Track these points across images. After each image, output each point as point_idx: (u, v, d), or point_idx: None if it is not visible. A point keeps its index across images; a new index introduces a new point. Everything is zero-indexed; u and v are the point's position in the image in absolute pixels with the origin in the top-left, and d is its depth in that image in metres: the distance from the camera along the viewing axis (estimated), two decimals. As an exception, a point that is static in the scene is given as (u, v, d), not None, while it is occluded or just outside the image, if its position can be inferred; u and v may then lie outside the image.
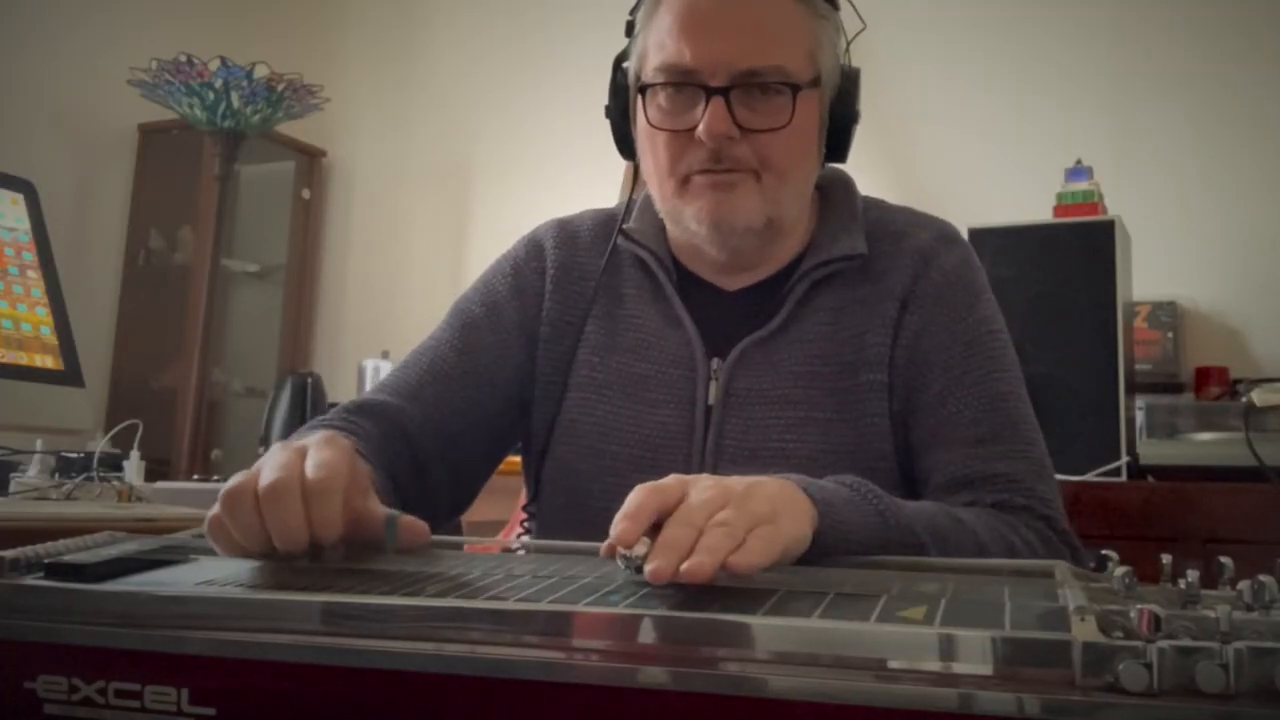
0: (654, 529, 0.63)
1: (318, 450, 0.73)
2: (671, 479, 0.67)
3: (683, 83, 0.97)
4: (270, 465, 0.70)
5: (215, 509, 0.69)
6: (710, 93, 0.96)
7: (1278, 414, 2.26)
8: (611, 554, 0.62)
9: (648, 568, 0.59)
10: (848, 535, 0.75)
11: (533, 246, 1.14)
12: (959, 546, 0.84)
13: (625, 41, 1.05)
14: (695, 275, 1.09)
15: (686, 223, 1.01)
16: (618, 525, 0.62)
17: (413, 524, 0.75)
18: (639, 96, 1.01)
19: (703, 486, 0.66)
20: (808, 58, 0.99)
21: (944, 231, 1.08)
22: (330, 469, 0.70)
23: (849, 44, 1.04)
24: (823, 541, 0.72)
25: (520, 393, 1.10)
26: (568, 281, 1.11)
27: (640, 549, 0.61)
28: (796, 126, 0.98)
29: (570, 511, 1.05)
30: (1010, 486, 0.95)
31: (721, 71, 0.95)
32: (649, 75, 1.00)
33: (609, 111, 1.07)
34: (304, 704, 0.50)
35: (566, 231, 1.14)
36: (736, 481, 0.68)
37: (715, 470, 0.99)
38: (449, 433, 1.05)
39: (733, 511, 0.64)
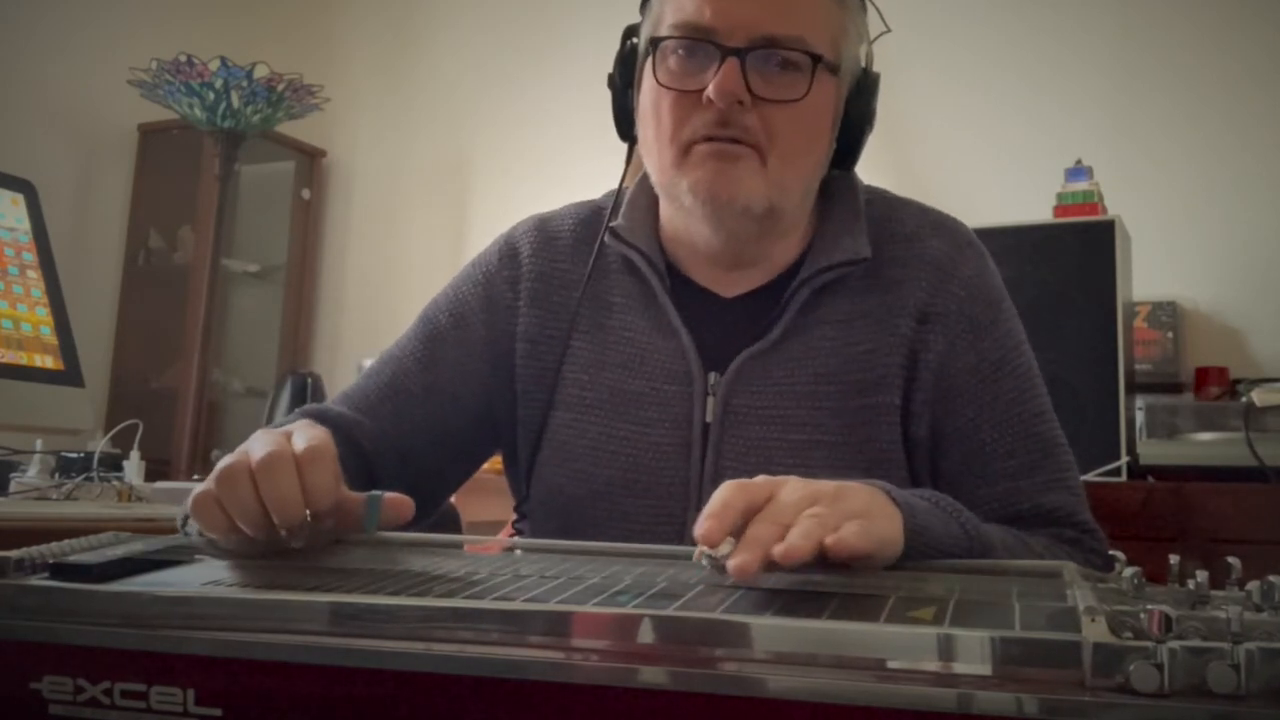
0: (740, 531, 0.61)
1: (302, 431, 0.74)
2: (759, 478, 0.65)
3: (698, 39, 0.92)
4: (259, 445, 0.71)
5: (206, 486, 0.70)
6: (725, 53, 0.91)
7: (1278, 414, 2.26)
8: (700, 556, 0.61)
9: (731, 563, 0.57)
10: (932, 546, 0.74)
11: (507, 252, 1.08)
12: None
13: (626, 28, 1.02)
14: (689, 280, 1.02)
15: (682, 196, 0.95)
16: (702, 524, 0.61)
17: (396, 500, 0.74)
18: (649, 55, 0.96)
19: (792, 486, 0.65)
20: (830, 41, 0.94)
21: (958, 235, 1.03)
22: (319, 441, 0.72)
23: (871, 44, 1.00)
24: (908, 551, 0.71)
25: (487, 410, 1.05)
26: (547, 292, 1.04)
27: (725, 548, 0.59)
28: (810, 104, 0.93)
29: (563, 535, 0.98)
30: (1059, 519, 0.94)
31: (740, 33, 0.91)
32: (664, 33, 0.95)
33: (612, 81, 1.02)
34: (310, 704, 0.50)
35: (545, 234, 1.07)
36: (825, 484, 0.67)
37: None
38: (405, 449, 1.02)
39: (825, 508, 0.63)
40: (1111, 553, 0.64)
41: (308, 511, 0.69)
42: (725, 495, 0.63)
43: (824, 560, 0.61)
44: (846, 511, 0.64)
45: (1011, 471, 0.95)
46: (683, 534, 0.95)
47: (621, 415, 0.99)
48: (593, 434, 0.99)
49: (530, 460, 1.03)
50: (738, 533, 0.61)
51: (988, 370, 0.97)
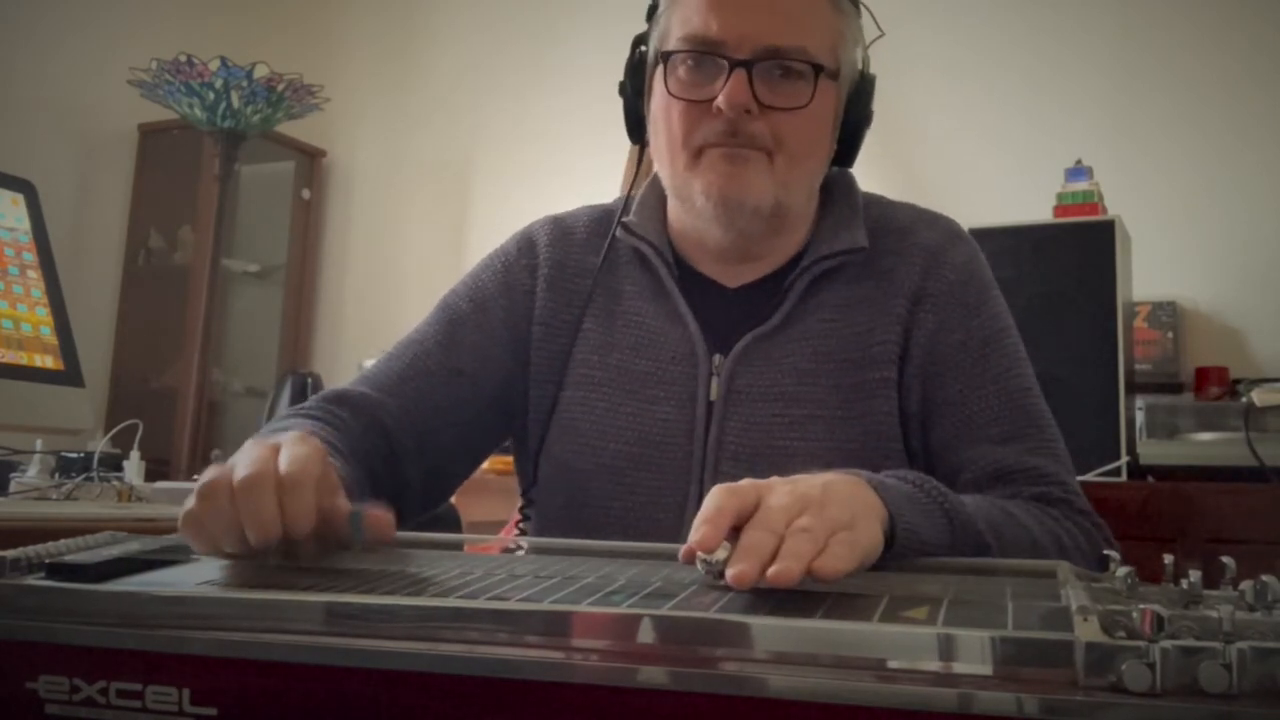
0: (732, 533, 0.63)
1: (290, 447, 0.73)
2: (746, 483, 0.66)
3: (706, 52, 0.97)
4: (244, 461, 0.71)
5: (190, 504, 0.70)
6: (733, 65, 0.96)
7: (1278, 414, 2.26)
8: (690, 558, 0.62)
9: (730, 572, 0.59)
10: (922, 541, 0.75)
11: (525, 243, 1.13)
12: (1015, 543, 0.84)
13: (625, 41, 1.05)
14: (696, 271, 1.08)
15: (695, 198, 1.00)
16: (698, 530, 0.62)
17: (378, 518, 0.74)
18: (658, 67, 1.01)
19: (779, 492, 0.66)
20: (830, 49, 1.00)
21: (950, 228, 1.08)
22: (303, 463, 0.71)
23: (867, 48, 1.04)
24: (898, 550, 0.72)
25: (504, 392, 1.08)
26: (562, 279, 1.09)
27: (721, 553, 0.61)
28: (814, 110, 0.98)
29: (569, 510, 1.04)
30: (1046, 479, 0.96)
31: (746, 45, 0.96)
32: (672, 46, 1.00)
33: (623, 89, 1.07)
34: (306, 704, 0.50)
35: (561, 228, 1.13)
36: (810, 484, 0.68)
37: (716, 469, 0.98)
38: (427, 429, 1.04)
39: (812, 518, 0.64)
40: (1106, 552, 0.64)
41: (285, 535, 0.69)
42: (717, 501, 0.64)
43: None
44: (833, 522, 0.64)
45: (998, 437, 0.98)
46: (685, 508, 0.99)
47: (629, 393, 1.03)
48: (600, 410, 1.04)
49: (540, 439, 1.06)
50: (730, 537, 0.62)
51: (975, 346, 1.02)
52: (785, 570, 0.58)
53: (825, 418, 0.99)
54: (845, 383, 1.00)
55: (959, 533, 0.80)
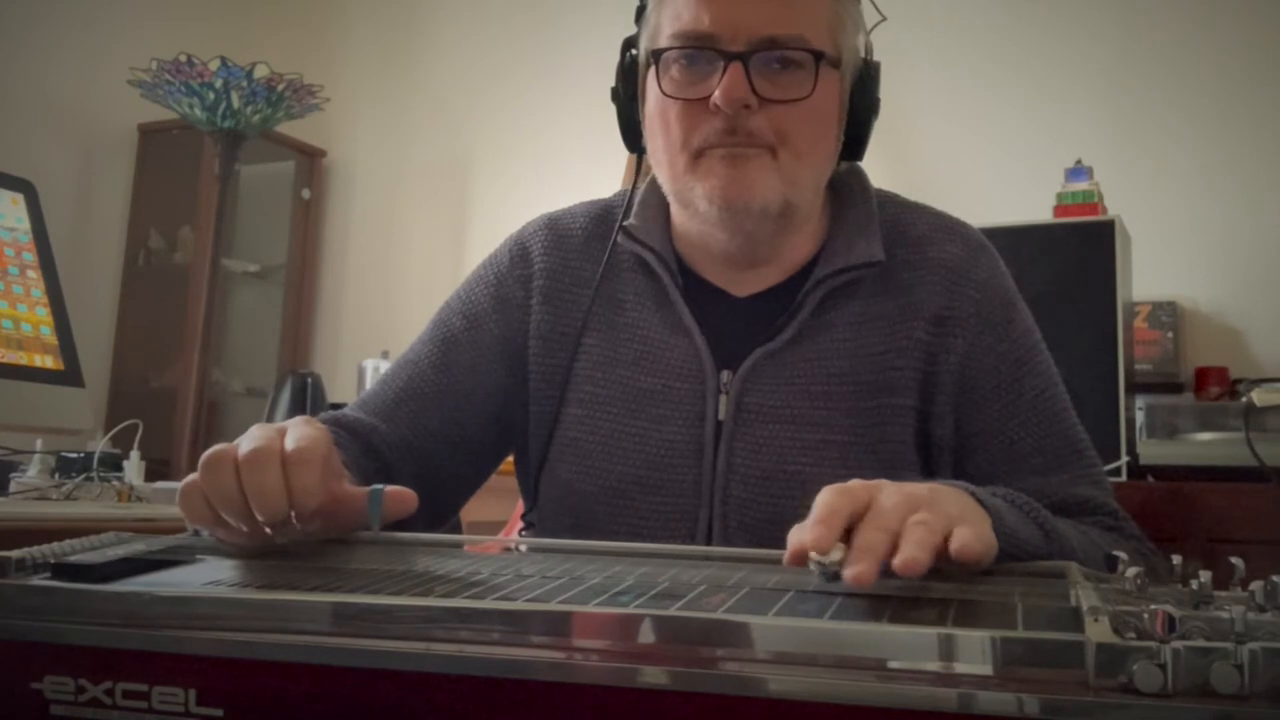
0: (844, 535, 0.61)
1: (296, 428, 0.73)
2: (855, 483, 0.65)
3: (699, 47, 0.92)
4: (249, 438, 0.71)
5: (192, 476, 0.70)
6: (728, 58, 0.90)
7: (1278, 414, 2.26)
8: (798, 561, 0.61)
9: (848, 572, 0.57)
10: (1020, 549, 0.74)
11: (518, 251, 1.07)
12: (1097, 561, 0.82)
13: (624, 40, 1.01)
14: (701, 279, 1.02)
15: (697, 203, 0.95)
16: (811, 531, 0.61)
17: (397, 493, 0.74)
18: (651, 68, 0.96)
19: (889, 491, 0.65)
20: (829, 35, 0.94)
21: (970, 240, 1.03)
22: (309, 442, 0.71)
23: (869, 34, 0.99)
24: (999, 554, 0.70)
25: (503, 410, 1.05)
26: (559, 290, 1.04)
27: (836, 554, 0.59)
28: (817, 101, 0.93)
29: (574, 533, 0.99)
30: (1095, 510, 0.95)
31: (741, 37, 0.91)
32: (663, 43, 0.95)
33: (616, 95, 1.01)
34: (312, 704, 0.50)
35: (556, 232, 1.07)
36: (916, 488, 0.67)
37: (726, 492, 0.95)
38: (423, 452, 1.02)
39: (927, 513, 0.63)
40: (1114, 553, 0.63)
41: (291, 511, 0.69)
42: (830, 501, 0.63)
43: (938, 567, 0.61)
44: (948, 516, 0.63)
45: (1041, 467, 0.96)
46: (694, 531, 0.95)
47: (634, 412, 0.99)
48: (605, 430, 0.99)
49: (541, 457, 1.03)
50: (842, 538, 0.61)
51: (1009, 370, 0.98)
52: (911, 559, 0.57)
53: (839, 443, 0.95)
54: (859, 407, 0.96)
55: (1053, 545, 0.78)
